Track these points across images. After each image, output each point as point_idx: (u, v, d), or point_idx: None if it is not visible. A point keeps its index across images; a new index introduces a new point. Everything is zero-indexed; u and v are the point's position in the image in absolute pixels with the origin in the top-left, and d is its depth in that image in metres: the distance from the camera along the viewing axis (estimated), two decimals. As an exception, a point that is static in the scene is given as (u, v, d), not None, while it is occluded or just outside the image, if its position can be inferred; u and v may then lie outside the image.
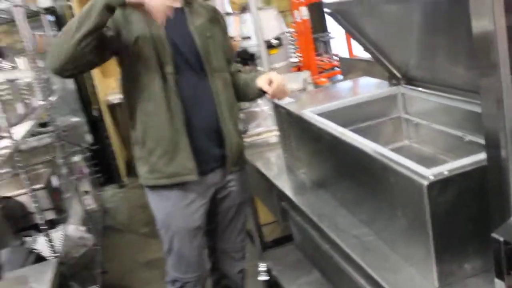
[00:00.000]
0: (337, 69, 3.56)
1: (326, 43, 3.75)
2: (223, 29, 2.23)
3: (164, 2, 1.77)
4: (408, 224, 1.19)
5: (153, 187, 2.11)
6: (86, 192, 4.68)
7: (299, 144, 1.98)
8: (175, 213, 2.11)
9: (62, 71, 1.82)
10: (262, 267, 3.19)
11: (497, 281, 0.96)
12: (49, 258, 2.11)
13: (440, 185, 1.07)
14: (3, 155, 2.08)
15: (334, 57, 3.33)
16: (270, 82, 2.13)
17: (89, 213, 4.32)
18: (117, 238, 4.49)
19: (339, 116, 1.88)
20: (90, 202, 4.66)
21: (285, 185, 1.99)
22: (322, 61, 3.71)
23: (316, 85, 3.27)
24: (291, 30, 3.87)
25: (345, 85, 2.53)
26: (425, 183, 1.07)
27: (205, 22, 2.11)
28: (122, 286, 3.65)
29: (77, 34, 1.72)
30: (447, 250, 1.12)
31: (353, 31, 1.92)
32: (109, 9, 1.74)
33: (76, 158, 4.28)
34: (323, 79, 3.37)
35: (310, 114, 1.85)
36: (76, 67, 1.82)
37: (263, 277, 3.15)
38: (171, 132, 2.01)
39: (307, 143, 1.90)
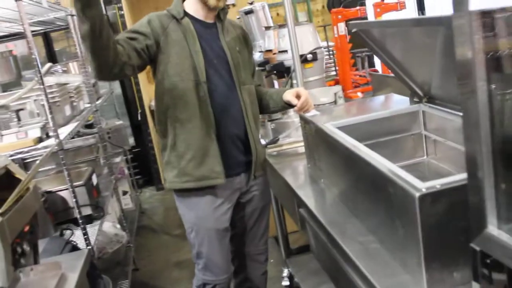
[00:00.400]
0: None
1: (363, 59, 3.82)
2: (249, 46, 2.40)
3: None
4: (404, 233, 1.28)
5: (181, 191, 2.24)
6: (125, 193, 4.90)
7: (320, 155, 2.08)
8: (205, 216, 2.23)
9: (102, 75, 1.96)
10: (285, 272, 3.30)
11: (474, 284, 1.04)
12: (83, 249, 2.27)
13: (431, 197, 1.16)
14: (48, 153, 2.26)
15: (369, 73, 3.41)
16: (298, 96, 2.27)
17: (126, 212, 4.53)
18: (150, 238, 4.67)
19: (359, 130, 1.97)
20: (128, 202, 4.87)
21: (304, 194, 2.09)
22: (357, 76, 3.78)
23: (348, 99, 3.35)
24: (332, 44, 3.98)
25: (372, 100, 2.61)
26: (417, 194, 1.16)
27: (235, 38, 2.28)
28: (152, 284, 3.81)
29: (88, 40, 1.81)
30: (437, 258, 1.21)
31: (377, 50, 2.01)
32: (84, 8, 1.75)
33: (118, 159, 4.49)
34: (355, 94, 3.45)
35: (330, 127, 1.95)
36: (110, 64, 1.91)
37: (285, 282, 3.26)
38: (202, 138, 2.15)
39: (326, 154, 2.00)
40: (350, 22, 1.94)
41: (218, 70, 2.18)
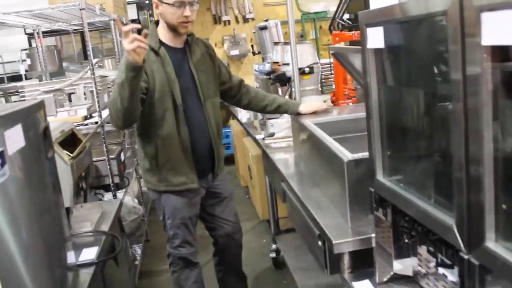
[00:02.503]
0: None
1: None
2: (213, 58, 2.84)
3: (129, 49, 2.15)
4: (339, 188, 1.94)
5: (163, 191, 2.75)
6: (141, 177, 5.57)
7: (301, 144, 2.74)
8: (181, 207, 2.76)
9: (126, 127, 2.61)
10: (273, 247, 3.95)
11: (370, 216, 1.70)
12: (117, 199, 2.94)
13: (354, 163, 1.82)
14: (99, 126, 2.93)
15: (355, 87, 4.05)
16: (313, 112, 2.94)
17: (143, 192, 5.20)
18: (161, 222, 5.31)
19: (332, 127, 2.61)
20: (144, 184, 5.54)
21: (286, 172, 2.73)
22: (349, 89, 4.43)
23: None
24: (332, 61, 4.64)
25: (350, 107, 3.26)
26: (346, 160, 1.82)
27: (200, 58, 2.72)
28: (159, 253, 4.43)
29: (125, 101, 2.29)
30: (357, 204, 1.86)
31: (349, 68, 2.67)
32: (133, 72, 2.23)
33: (139, 146, 5.15)
34: (345, 103, 4.10)
35: (309, 123, 2.61)
36: (134, 120, 2.48)
37: (272, 254, 3.91)
38: (180, 152, 2.64)
39: (305, 143, 2.66)
40: (329, 46, 2.61)
41: (189, 91, 2.63)
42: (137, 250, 4.21)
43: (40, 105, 1.57)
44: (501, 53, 0.97)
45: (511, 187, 1.06)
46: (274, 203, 4.02)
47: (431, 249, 1.44)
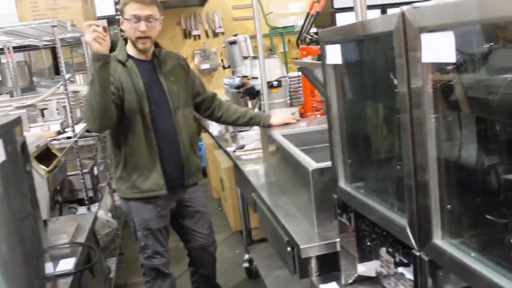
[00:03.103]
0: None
1: (325, 88, 4.60)
2: (185, 70, 2.93)
3: (90, 40, 2.32)
4: (306, 196, 2.04)
5: (133, 199, 2.81)
6: (115, 190, 5.60)
7: (270, 155, 2.84)
8: (150, 218, 2.83)
9: (102, 129, 2.63)
10: (246, 257, 4.03)
11: (335, 221, 1.80)
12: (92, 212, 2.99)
13: (319, 171, 1.93)
14: (72, 142, 2.99)
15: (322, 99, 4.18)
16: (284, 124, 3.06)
17: (116, 206, 5.23)
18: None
19: (298, 138, 2.73)
20: (117, 199, 5.56)
21: (256, 183, 2.83)
22: (316, 101, 4.55)
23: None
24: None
25: (316, 119, 3.38)
26: (311, 169, 1.93)
27: (170, 69, 2.82)
28: (134, 266, 4.44)
29: (97, 96, 2.40)
30: (322, 211, 1.96)
31: (315, 82, 2.80)
32: (98, 61, 2.37)
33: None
34: (313, 115, 4.22)
35: (277, 134, 2.72)
36: (110, 121, 2.55)
37: (245, 264, 3.99)
38: (148, 159, 2.72)
39: (273, 153, 2.77)
40: (295, 60, 2.73)
41: (157, 100, 2.72)
42: (112, 263, 4.24)
43: (18, 121, 1.64)
44: (440, 68, 1.09)
45: (454, 190, 1.18)
46: (246, 214, 4.10)
47: (390, 250, 1.55)
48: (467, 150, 1.19)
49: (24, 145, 1.64)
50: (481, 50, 1.05)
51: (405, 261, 1.45)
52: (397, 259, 1.50)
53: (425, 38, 1.05)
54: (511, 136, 1.13)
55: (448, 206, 1.17)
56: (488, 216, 1.15)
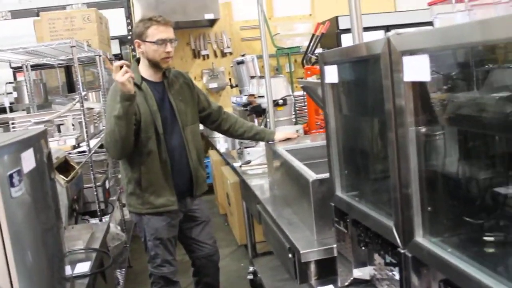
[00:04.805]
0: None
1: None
2: (191, 87, 3.08)
3: (123, 81, 2.47)
4: (306, 205, 2.19)
5: (145, 214, 2.96)
6: (124, 205, 5.76)
7: (275, 168, 3.00)
8: (160, 229, 2.97)
9: (123, 157, 2.81)
10: (250, 269, 4.16)
11: (333, 228, 1.95)
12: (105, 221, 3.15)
13: (318, 182, 2.09)
14: (90, 155, 3.16)
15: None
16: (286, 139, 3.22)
17: (125, 220, 5.39)
18: (142, 245, 5.48)
19: (302, 153, 2.88)
20: (126, 213, 5.72)
21: (261, 195, 2.98)
22: (321, 119, 4.71)
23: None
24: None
25: (321, 136, 3.54)
26: (311, 180, 2.09)
27: (178, 89, 2.97)
28: (141, 278, 4.59)
29: (123, 130, 2.59)
30: (321, 219, 2.12)
31: (317, 100, 2.96)
32: (128, 101, 2.55)
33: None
34: (316, 132, 4.38)
35: (281, 149, 2.88)
36: (130, 149, 2.72)
37: (250, 276, 4.12)
38: (161, 176, 2.87)
39: (277, 167, 2.92)
40: (299, 79, 2.90)
41: (169, 120, 2.86)
42: (120, 274, 4.38)
43: (44, 133, 1.81)
44: (419, 87, 1.25)
45: (434, 195, 1.33)
46: (251, 227, 4.24)
47: (381, 252, 1.70)
48: (446, 160, 1.35)
49: (49, 155, 1.81)
50: (455, 71, 1.22)
51: (394, 261, 1.59)
52: (387, 260, 1.64)
53: (406, 60, 1.21)
54: (486, 147, 1.29)
55: (429, 208, 1.32)
56: (465, 218, 1.30)
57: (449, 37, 1.02)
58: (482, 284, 1.10)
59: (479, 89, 1.23)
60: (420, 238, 1.31)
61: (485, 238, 1.25)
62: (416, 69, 1.17)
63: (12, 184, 1.38)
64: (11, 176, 1.38)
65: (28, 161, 1.50)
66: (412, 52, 1.20)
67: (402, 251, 1.39)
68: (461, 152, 1.30)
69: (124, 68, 2.45)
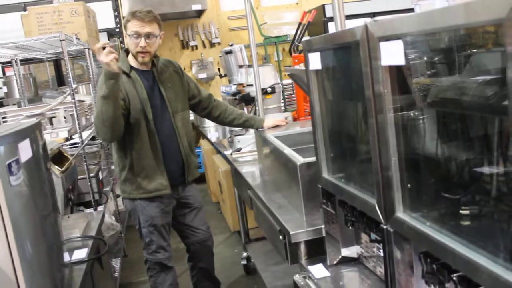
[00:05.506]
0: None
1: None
2: (180, 75, 3.17)
3: (107, 61, 2.54)
4: (295, 188, 2.27)
5: (139, 199, 3.03)
6: (118, 196, 5.82)
7: (264, 155, 3.07)
8: (155, 216, 3.05)
9: (113, 139, 2.86)
10: (244, 255, 4.25)
11: (321, 210, 2.03)
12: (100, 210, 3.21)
13: (306, 165, 2.16)
14: (82, 146, 3.22)
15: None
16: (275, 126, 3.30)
17: (119, 211, 5.45)
18: (137, 235, 5.56)
19: (290, 139, 2.95)
20: (120, 204, 5.78)
21: (252, 181, 3.06)
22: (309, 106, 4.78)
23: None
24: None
25: (308, 122, 3.61)
26: (298, 163, 2.16)
27: (167, 76, 3.07)
28: (137, 267, 4.67)
29: (110, 110, 2.65)
30: (310, 201, 2.19)
31: (303, 87, 3.03)
32: (112, 79, 2.62)
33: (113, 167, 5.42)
34: (305, 119, 4.45)
35: (270, 136, 2.95)
36: (120, 131, 2.79)
37: (243, 262, 4.21)
38: (152, 161, 2.95)
39: (267, 154, 3.00)
40: (285, 67, 2.96)
41: (159, 106, 2.96)
42: (116, 263, 4.45)
43: (39, 125, 1.87)
44: (396, 72, 1.32)
45: (413, 174, 1.41)
46: (243, 214, 4.33)
47: (366, 230, 1.78)
48: (424, 141, 1.43)
49: (44, 146, 1.87)
50: (430, 55, 1.29)
51: (379, 238, 1.67)
52: (372, 237, 1.72)
53: (383, 45, 1.28)
54: (462, 128, 1.37)
55: (408, 186, 1.40)
56: (443, 194, 1.38)
57: (420, 23, 1.09)
58: (458, 253, 1.18)
59: (454, 73, 1.30)
60: (400, 213, 1.39)
61: (461, 212, 1.33)
62: (392, 54, 1.24)
63: (11, 173, 1.44)
64: (9, 165, 1.44)
65: (25, 151, 1.56)
66: (388, 38, 1.27)
67: (385, 226, 1.47)
68: (438, 133, 1.37)
69: (107, 48, 2.54)
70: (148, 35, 2.86)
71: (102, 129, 2.75)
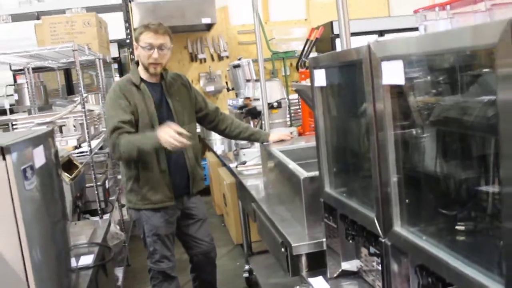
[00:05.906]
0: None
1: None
2: (188, 88, 3.24)
3: (172, 143, 2.71)
4: (298, 202, 2.32)
5: (144, 209, 3.09)
6: (123, 205, 5.88)
7: (269, 168, 3.13)
8: (159, 226, 3.10)
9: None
10: (246, 267, 4.29)
11: (323, 223, 2.08)
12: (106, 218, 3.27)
13: (309, 180, 2.21)
14: (92, 155, 3.29)
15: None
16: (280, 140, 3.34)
17: (124, 221, 5.50)
18: (140, 245, 5.60)
19: (295, 153, 3.00)
20: (125, 213, 5.84)
21: (256, 194, 3.11)
22: (315, 122, 4.84)
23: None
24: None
25: (313, 137, 3.67)
26: (302, 177, 2.22)
27: (175, 89, 3.14)
28: (140, 276, 4.71)
29: (139, 155, 2.87)
30: (312, 214, 2.24)
31: (309, 103, 3.09)
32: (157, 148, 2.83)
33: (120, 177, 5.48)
34: (310, 134, 4.50)
35: (275, 150, 3.01)
36: None
37: (246, 274, 4.24)
38: (158, 173, 3.02)
39: (271, 167, 3.05)
40: (292, 82, 3.03)
41: (166, 119, 2.97)
42: (119, 272, 4.49)
43: (51, 132, 1.94)
44: (397, 91, 1.38)
45: (411, 189, 1.46)
46: (247, 227, 4.36)
47: (366, 243, 1.83)
48: (423, 157, 1.48)
49: (56, 153, 1.94)
50: (430, 75, 1.35)
51: (378, 251, 1.72)
52: (372, 251, 1.77)
53: (384, 65, 1.34)
54: (461, 146, 1.42)
55: (407, 201, 1.45)
56: (440, 210, 1.43)
57: (419, 45, 1.15)
58: (452, 267, 1.23)
59: (453, 94, 1.36)
60: (398, 227, 1.44)
61: (457, 227, 1.38)
62: (393, 74, 1.30)
63: (25, 178, 1.50)
64: (24, 170, 1.50)
65: (39, 157, 1.62)
66: (389, 58, 1.33)
67: (383, 240, 1.52)
68: (437, 151, 1.43)
69: (182, 139, 2.71)
70: (161, 47, 2.94)
71: (126, 158, 2.90)
